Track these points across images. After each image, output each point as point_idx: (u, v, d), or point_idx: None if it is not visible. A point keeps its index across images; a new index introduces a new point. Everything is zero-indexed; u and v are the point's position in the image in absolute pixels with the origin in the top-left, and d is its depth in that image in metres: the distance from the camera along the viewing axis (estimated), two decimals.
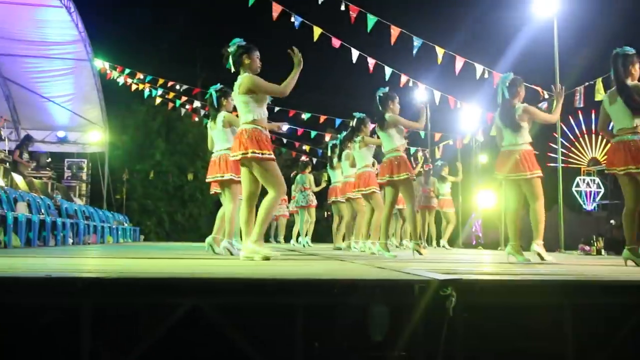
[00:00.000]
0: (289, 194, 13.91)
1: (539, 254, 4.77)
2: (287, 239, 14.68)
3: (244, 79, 4.50)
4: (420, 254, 5.57)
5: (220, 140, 5.87)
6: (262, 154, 4.41)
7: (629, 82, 4.58)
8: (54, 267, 3.39)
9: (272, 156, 4.51)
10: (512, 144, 4.95)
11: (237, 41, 4.62)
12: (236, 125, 5.82)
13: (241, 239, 4.99)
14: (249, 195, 4.62)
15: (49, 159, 13.59)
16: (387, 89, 6.07)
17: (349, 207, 8.41)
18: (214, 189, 6.36)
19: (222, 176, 5.76)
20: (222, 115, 5.87)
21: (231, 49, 4.59)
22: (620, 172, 4.58)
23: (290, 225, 14.26)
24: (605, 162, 4.80)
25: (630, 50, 4.63)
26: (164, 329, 2.17)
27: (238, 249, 5.36)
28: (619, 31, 17.04)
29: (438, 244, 11.24)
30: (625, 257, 4.58)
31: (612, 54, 4.69)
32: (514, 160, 4.90)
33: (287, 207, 13.67)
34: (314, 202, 11.14)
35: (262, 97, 4.55)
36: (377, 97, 5.98)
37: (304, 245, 10.56)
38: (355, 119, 7.18)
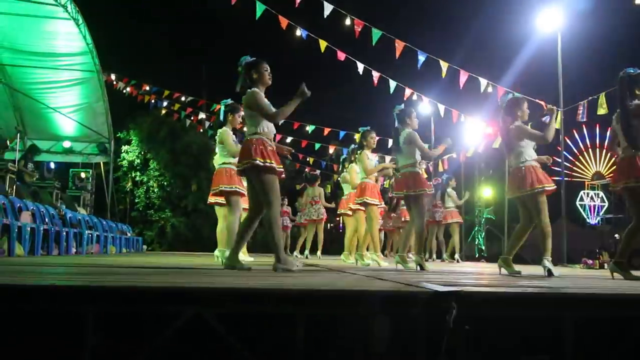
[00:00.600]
0: (294, 205, 13.97)
1: (548, 270, 4.77)
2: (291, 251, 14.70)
3: (247, 94, 4.52)
4: (423, 268, 5.59)
5: (220, 154, 6.02)
6: (264, 162, 4.37)
7: (635, 102, 4.58)
8: (58, 275, 3.42)
9: (275, 167, 4.42)
10: (515, 164, 5.02)
11: (244, 59, 4.64)
12: (226, 144, 5.96)
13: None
14: (255, 207, 4.57)
15: (52, 168, 13.65)
16: (402, 105, 6.13)
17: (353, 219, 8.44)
18: (214, 199, 6.44)
19: (227, 187, 5.83)
20: (220, 131, 6.03)
21: (240, 68, 4.60)
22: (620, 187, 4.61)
23: (293, 237, 14.28)
24: (609, 176, 4.85)
25: (636, 71, 4.66)
26: (166, 336, 2.19)
27: (243, 260, 5.40)
28: (622, 46, 17.10)
29: (451, 257, 11.19)
30: (612, 270, 4.60)
31: (618, 75, 4.70)
32: (518, 179, 4.94)
33: (290, 219, 13.71)
34: (325, 216, 11.14)
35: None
36: (395, 115, 6.05)
37: (306, 257, 10.59)
38: (361, 133, 7.24)
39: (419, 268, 5.62)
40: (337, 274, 4.35)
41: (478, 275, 4.80)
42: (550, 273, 4.73)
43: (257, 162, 4.35)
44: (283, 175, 4.53)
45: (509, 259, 4.96)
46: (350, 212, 8.55)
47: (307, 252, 10.90)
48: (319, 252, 10.95)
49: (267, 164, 4.37)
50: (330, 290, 2.60)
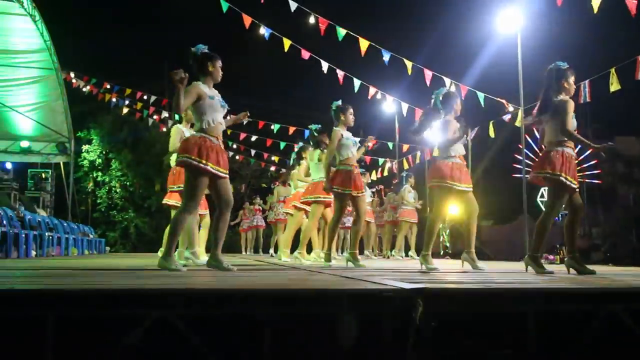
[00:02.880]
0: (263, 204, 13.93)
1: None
2: (259, 249, 14.67)
3: (192, 84, 4.39)
4: (360, 266, 5.65)
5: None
6: (190, 158, 4.23)
7: (560, 97, 4.57)
8: (16, 279, 3.32)
9: (202, 165, 4.23)
10: (442, 157, 5.19)
11: (202, 48, 4.56)
12: (171, 140, 5.88)
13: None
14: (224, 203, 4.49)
15: (10, 169, 13.30)
16: (339, 102, 6.10)
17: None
18: (170, 200, 6.37)
19: (180, 187, 5.79)
20: (173, 127, 6.01)
21: (194, 54, 4.50)
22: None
23: (267, 236, 14.29)
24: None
25: (564, 65, 4.69)
26: (130, 340, 2.15)
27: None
28: (580, 45, 17.56)
29: (407, 254, 11.32)
30: (568, 265, 4.69)
31: (546, 69, 4.72)
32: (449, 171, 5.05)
33: (263, 217, 13.72)
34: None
35: (209, 104, 4.38)
36: (332, 111, 6.07)
37: (271, 256, 10.57)
38: (312, 131, 7.24)
39: (349, 264, 5.76)
40: (302, 272, 4.35)
41: (443, 272, 4.85)
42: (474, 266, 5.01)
43: (186, 158, 4.25)
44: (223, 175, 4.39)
45: (427, 254, 5.05)
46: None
47: (271, 250, 10.87)
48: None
49: (194, 162, 4.23)
50: (296, 289, 2.59)
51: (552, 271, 4.54)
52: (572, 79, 4.65)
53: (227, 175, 4.45)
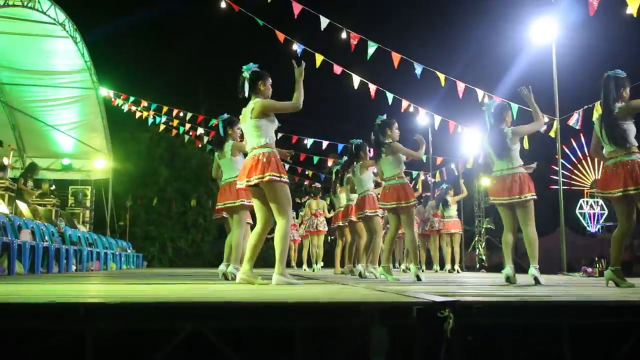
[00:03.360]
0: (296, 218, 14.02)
1: (535, 278, 4.82)
2: (299, 263, 14.74)
3: (256, 104, 4.53)
4: (420, 279, 5.60)
5: (229, 168, 5.96)
6: (280, 177, 4.42)
7: (618, 105, 4.53)
8: (57, 293, 3.43)
9: (287, 180, 4.49)
10: (506, 169, 5.06)
11: (253, 67, 4.67)
12: (244, 151, 5.94)
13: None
14: (266, 221, 4.60)
15: (53, 186, 13.69)
16: (384, 116, 6.16)
17: (351, 231, 8.45)
18: (219, 214, 6.42)
19: (234, 202, 5.81)
20: (229, 144, 5.97)
21: (247, 74, 4.62)
22: (616, 194, 4.54)
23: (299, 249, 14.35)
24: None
25: (622, 74, 4.64)
26: (166, 352, 2.21)
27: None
28: (615, 54, 17.23)
29: (451, 268, 11.16)
30: (608, 278, 4.59)
31: (603, 76, 4.70)
32: (509, 184, 4.98)
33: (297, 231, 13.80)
34: (325, 229, 11.18)
35: (273, 120, 4.58)
36: (376, 125, 6.09)
37: (313, 270, 10.61)
38: (353, 146, 7.26)
39: (416, 279, 5.63)
40: (336, 285, 4.37)
41: (477, 285, 4.81)
42: (537, 281, 4.82)
43: (272, 176, 4.38)
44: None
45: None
46: (345, 224, 8.52)
47: (305, 264, 10.90)
48: (320, 264, 10.96)
49: (283, 179, 4.43)
50: (328, 302, 2.61)
51: (632, 284, 4.45)
52: (629, 89, 4.60)
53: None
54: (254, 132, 4.56)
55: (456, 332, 2.31)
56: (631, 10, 7.29)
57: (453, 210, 11.21)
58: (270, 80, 4.68)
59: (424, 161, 16.82)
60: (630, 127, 4.52)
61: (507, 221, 5.15)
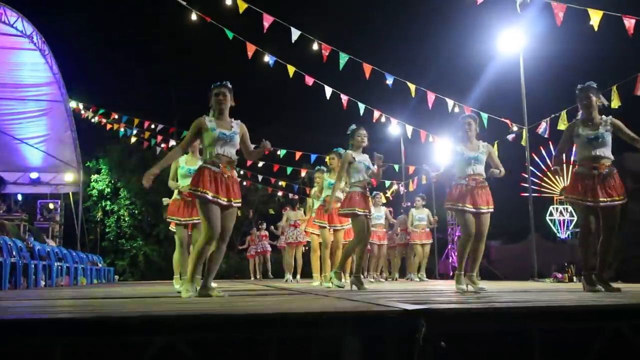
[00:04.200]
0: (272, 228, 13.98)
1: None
2: (267, 274, 14.70)
3: (243, 127, 4.68)
4: (364, 289, 5.60)
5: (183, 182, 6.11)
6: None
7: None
8: (25, 309, 3.36)
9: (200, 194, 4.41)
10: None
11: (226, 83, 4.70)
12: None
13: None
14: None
15: (20, 200, 13.44)
16: (353, 126, 6.17)
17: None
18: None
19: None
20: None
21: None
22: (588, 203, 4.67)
23: (276, 260, 14.32)
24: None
25: (582, 86, 4.84)
26: None
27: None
28: (581, 65, 17.67)
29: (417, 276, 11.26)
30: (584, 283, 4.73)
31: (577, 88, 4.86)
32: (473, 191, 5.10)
33: (270, 243, 13.79)
34: (304, 240, 11.13)
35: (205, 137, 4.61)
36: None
37: (297, 281, 10.55)
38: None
39: (354, 288, 5.72)
40: (309, 296, 4.36)
41: (448, 292, 4.85)
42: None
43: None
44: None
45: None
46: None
47: (288, 275, 10.79)
48: (298, 276, 10.88)
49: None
50: (301, 313, 2.61)
51: (600, 289, 4.55)
52: (583, 98, 4.76)
53: (229, 204, 4.49)
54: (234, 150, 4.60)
55: (429, 339, 2.33)
56: (593, 22, 7.52)
57: (423, 220, 11.23)
58: (217, 91, 4.65)
59: (397, 170, 16.96)
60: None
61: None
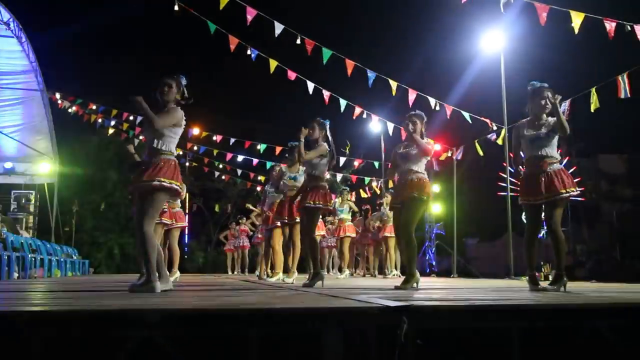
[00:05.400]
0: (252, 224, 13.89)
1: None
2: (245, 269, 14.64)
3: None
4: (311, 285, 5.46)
5: None
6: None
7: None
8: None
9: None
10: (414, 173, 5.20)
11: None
12: None
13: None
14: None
15: None
16: (319, 119, 6.07)
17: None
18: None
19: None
20: None
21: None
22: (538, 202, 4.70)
23: (253, 255, 14.23)
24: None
25: (537, 85, 4.79)
26: None
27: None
28: (562, 65, 17.89)
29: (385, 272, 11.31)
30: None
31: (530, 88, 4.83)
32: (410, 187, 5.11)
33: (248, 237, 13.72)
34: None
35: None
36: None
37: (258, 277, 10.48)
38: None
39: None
40: (288, 291, 4.34)
41: (427, 289, 4.87)
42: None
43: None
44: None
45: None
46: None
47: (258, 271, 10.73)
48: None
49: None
50: (282, 308, 2.60)
51: (544, 287, 4.60)
52: (539, 98, 4.69)
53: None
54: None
55: (410, 336, 2.33)
56: (574, 25, 7.60)
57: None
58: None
59: (377, 167, 17.01)
60: None
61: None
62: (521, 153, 4.85)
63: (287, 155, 7.68)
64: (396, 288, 4.71)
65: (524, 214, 4.83)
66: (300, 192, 5.89)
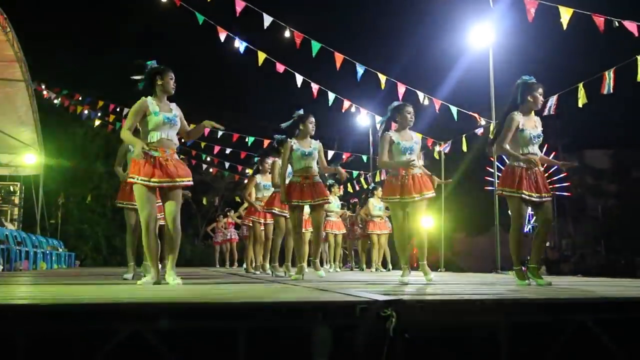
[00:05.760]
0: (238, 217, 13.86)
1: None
2: (233, 263, 14.60)
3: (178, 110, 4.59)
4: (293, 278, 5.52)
5: None
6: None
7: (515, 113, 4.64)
8: None
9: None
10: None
11: (151, 63, 4.56)
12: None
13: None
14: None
15: None
16: (300, 110, 6.02)
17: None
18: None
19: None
20: None
21: (145, 71, 4.59)
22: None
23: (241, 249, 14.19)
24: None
25: (531, 79, 4.70)
26: (103, 355, 2.11)
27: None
28: (549, 60, 17.99)
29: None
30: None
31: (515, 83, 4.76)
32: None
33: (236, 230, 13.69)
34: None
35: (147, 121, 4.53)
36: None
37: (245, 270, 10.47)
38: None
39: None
40: (278, 285, 4.34)
41: (416, 284, 4.88)
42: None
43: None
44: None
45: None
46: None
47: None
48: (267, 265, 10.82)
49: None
50: (271, 302, 2.58)
51: (529, 283, 4.62)
52: (537, 93, 4.66)
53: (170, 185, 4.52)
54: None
55: (399, 330, 2.33)
56: (563, 20, 7.62)
57: (380, 210, 11.12)
58: (172, 75, 4.60)
59: (365, 161, 17.03)
60: None
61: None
62: (507, 146, 4.65)
63: (259, 166, 7.83)
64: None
65: (510, 208, 4.74)
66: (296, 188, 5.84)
